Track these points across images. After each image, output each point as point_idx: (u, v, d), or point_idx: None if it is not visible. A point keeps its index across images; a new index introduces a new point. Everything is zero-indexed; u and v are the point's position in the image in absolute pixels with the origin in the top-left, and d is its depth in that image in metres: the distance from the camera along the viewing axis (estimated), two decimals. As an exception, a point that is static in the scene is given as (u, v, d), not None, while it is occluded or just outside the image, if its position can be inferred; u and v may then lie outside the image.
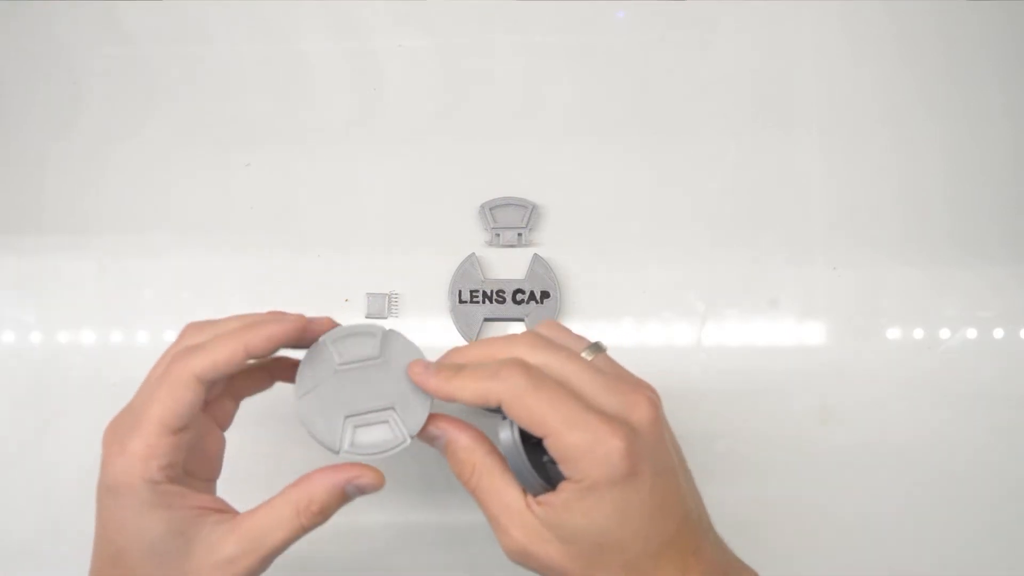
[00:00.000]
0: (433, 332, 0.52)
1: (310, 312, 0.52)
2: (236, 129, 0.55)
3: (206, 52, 0.56)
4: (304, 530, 0.35)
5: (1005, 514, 0.50)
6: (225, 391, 0.39)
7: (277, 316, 0.37)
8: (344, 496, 0.36)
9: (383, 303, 0.52)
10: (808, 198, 0.53)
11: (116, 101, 0.55)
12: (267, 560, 0.35)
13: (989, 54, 0.54)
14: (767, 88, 0.54)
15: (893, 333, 0.51)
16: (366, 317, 0.52)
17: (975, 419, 0.50)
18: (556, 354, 0.35)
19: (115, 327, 0.53)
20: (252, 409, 0.51)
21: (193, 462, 0.37)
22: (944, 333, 0.51)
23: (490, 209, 0.52)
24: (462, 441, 0.36)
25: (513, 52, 0.55)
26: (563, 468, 0.34)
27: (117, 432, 0.35)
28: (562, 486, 0.34)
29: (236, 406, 0.40)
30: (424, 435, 0.37)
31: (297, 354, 0.39)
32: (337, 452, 0.36)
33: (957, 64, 0.54)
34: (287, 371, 0.40)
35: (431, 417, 0.37)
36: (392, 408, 0.37)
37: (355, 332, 0.38)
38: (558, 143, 0.54)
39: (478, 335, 0.51)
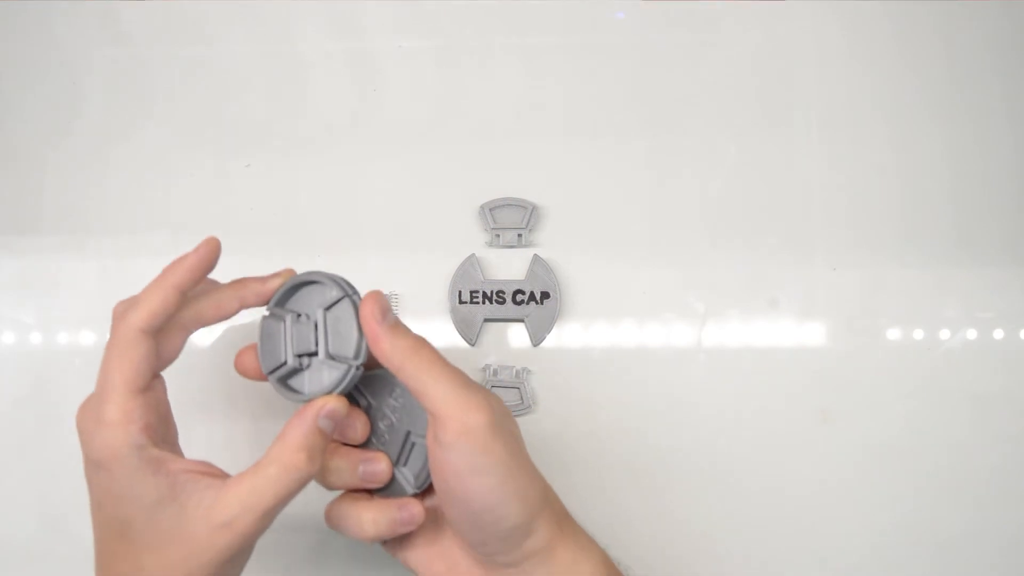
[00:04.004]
0: (433, 332, 0.52)
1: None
2: (236, 130, 0.55)
3: (206, 52, 0.56)
4: (298, 483, 0.35)
5: (1005, 515, 0.50)
6: (173, 324, 0.39)
7: (196, 249, 0.38)
8: (322, 433, 0.36)
9: (383, 303, 0.52)
10: (808, 198, 0.53)
11: (115, 101, 0.55)
12: (265, 518, 0.35)
13: (989, 55, 0.54)
14: (767, 88, 0.54)
15: (893, 333, 0.51)
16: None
17: (975, 419, 0.50)
18: None
19: (115, 327, 0.52)
20: (249, 404, 0.51)
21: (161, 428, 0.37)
22: (944, 333, 0.51)
23: (490, 210, 0.52)
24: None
25: (512, 53, 0.55)
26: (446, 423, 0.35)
27: (88, 411, 0.36)
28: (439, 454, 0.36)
29: (185, 338, 0.40)
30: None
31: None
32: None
33: (957, 64, 0.54)
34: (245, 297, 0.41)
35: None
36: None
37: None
38: (558, 143, 0.54)
39: (478, 336, 0.51)
